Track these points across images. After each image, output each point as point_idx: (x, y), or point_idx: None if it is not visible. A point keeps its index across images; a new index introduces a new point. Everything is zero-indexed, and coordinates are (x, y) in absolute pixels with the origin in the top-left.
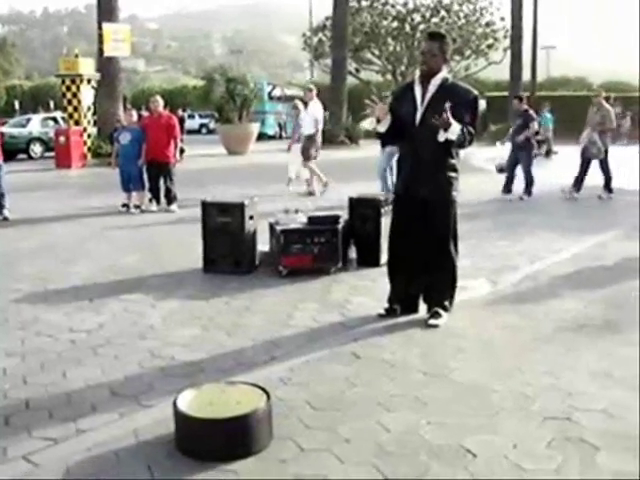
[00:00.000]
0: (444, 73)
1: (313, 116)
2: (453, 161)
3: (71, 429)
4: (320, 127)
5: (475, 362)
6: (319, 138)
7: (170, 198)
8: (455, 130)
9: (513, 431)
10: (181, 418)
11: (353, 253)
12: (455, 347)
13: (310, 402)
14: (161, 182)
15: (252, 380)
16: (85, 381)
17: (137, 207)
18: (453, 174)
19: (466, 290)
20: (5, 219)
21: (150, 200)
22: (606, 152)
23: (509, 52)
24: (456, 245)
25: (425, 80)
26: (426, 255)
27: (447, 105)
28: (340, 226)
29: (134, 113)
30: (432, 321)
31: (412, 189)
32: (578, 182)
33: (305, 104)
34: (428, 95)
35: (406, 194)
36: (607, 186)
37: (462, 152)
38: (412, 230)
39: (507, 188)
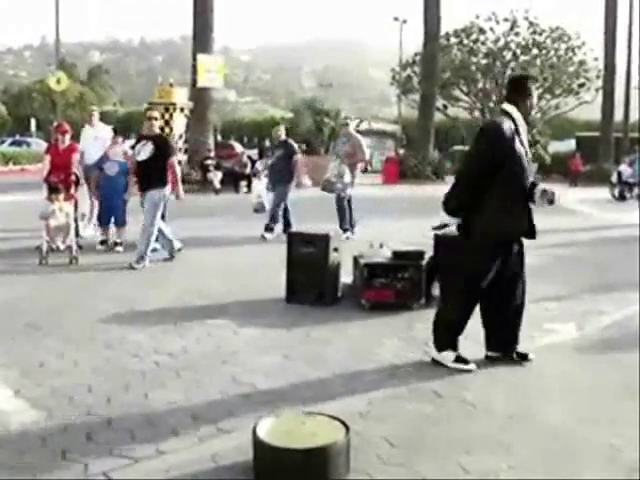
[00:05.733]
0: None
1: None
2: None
3: (151, 450)
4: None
5: (561, 408)
6: None
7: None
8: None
9: None
10: (260, 446)
11: (436, 290)
12: (540, 391)
13: (388, 438)
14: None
15: (331, 412)
16: (167, 403)
17: (118, 244)
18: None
19: (554, 333)
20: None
21: None
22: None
23: (601, 92)
24: None
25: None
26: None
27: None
28: (424, 262)
29: (121, 142)
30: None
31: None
32: (349, 222)
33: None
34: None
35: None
36: (341, 226)
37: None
38: (507, 273)
39: (283, 229)
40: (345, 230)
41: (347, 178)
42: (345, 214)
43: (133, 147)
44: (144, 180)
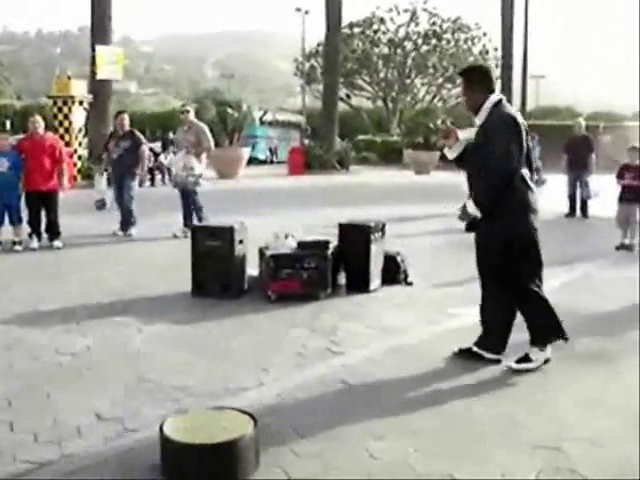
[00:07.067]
0: (490, 102)
1: None
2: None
3: (56, 453)
4: None
5: (465, 391)
6: None
7: (53, 232)
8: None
9: (502, 460)
10: (167, 443)
11: (342, 279)
12: (445, 375)
13: (298, 429)
14: (42, 214)
15: (240, 406)
16: (71, 404)
17: (17, 243)
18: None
19: (458, 317)
20: None
21: (30, 235)
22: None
23: (499, 81)
24: None
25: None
26: None
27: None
28: (330, 251)
29: (9, 137)
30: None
31: (477, 229)
32: (187, 218)
33: None
34: (475, 128)
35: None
36: (186, 223)
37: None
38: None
39: (124, 227)
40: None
41: (198, 169)
42: (198, 208)
43: None
44: None
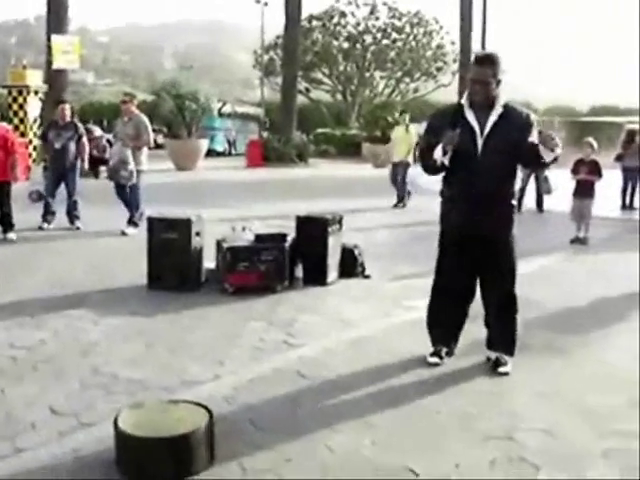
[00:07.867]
0: (503, 99)
1: None
2: (512, 190)
3: (9, 448)
4: None
5: (422, 383)
6: None
7: (6, 225)
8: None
9: (456, 451)
10: (121, 437)
11: (300, 271)
12: (401, 367)
13: (255, 422)
14: None
15: (196, 399)
16: (25, 398)
17: None
18: (514, 203)
19: (414, 310)
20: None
21: None
22: (139, 173)
23: (457, 75)
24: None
25: (479, 107)
26: (489, 298)
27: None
28: (287, 244)
29: None
30: (502, 369)
31: (471, 225)
32: (135, 211)
33: None
34: (489, 123)
35: (464, 231)
36: (130, 221)
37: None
38: (470, 270)
39: (43, 216)
40: (134, 224)
41: (132, 165)
42: (132, 206)
43: None
44: None
